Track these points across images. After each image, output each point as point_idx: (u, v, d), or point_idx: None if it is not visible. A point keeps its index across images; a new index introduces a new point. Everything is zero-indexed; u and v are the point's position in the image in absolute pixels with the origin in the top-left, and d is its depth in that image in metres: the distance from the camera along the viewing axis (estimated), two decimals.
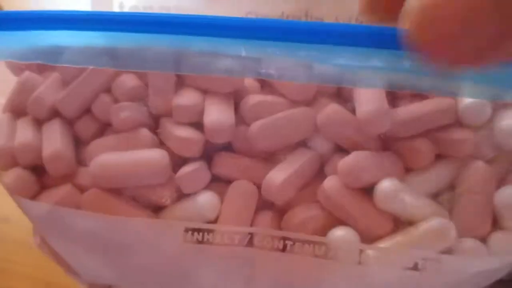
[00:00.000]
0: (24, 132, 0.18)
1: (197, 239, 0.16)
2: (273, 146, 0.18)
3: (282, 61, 0.16)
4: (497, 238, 0.16)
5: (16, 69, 0.20)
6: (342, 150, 0.18)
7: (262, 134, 0.17)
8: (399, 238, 0.16)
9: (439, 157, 0.17)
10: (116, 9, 0.26)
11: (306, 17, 0.27)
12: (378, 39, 0.15)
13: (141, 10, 0.27)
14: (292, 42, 0.16)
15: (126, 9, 0.26)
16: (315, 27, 0.16)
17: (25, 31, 0.17)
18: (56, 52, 0.17)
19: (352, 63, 0.15)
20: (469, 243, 0.16)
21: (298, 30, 0.16)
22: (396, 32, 0.15)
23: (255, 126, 0.17)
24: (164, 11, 0.27)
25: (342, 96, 0.19)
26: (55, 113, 0.19)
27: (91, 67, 0.18)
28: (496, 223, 0.16)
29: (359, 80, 0.16)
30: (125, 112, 0.18)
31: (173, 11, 0.27)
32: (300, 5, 0.28)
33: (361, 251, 0.16)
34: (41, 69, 0.20)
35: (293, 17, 0.28)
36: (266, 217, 0.17)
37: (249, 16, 0.27)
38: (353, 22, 0.25)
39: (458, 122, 0.18)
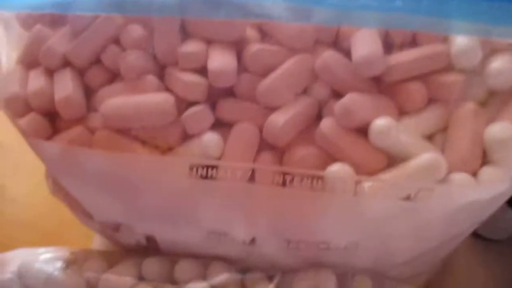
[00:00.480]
0: (37, 80, 0.19)
1: (201, 174, 0.17)
2: (281, 100, 0.18)
3: (281, 4, 0.17)
4: (485, 171, 0.17)
5: (28, 24, 0.21)
6: (339, 95, 0.19)
7: (270, 91, 0.18)
8: (392, 172, 0.17)
9: (432, 100, 0.18)
10: None
11: None
12: None
13: None
14: None
15: None
16: None
17: None
18: (66, 2, 0.18)
19: (346, 3, 0.16)
20: (460, 175, 0.17)
21: None
22: None
23: (264, 84, 0.18)
24: None
25: (339, 44, 0.20)
26: (66, 63, 0.20)
27: (100, 15, 0.19)
28: (485, 158, 0.17)
29: (354, 20, 0.17)
30: (132, 59, 0.19)
31: None
32: None
33: (356, 183, 0.17)
34: (52, 24, 0.21)
35: None
36: (267, 155, 0.18)
37: None
38: None
39: (450, 66, 0.18)
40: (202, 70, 0.19)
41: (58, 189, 0.20)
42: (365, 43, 0.18)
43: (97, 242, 0.27)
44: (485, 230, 0.30)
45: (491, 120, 0.18)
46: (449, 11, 0.16)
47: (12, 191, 0.35)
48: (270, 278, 0.19)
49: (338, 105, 0.18)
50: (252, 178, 0.18)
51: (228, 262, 0.20)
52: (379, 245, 0.19)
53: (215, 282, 0.19)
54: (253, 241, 0.19)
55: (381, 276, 0.20)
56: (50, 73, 0.20)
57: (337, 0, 0.16)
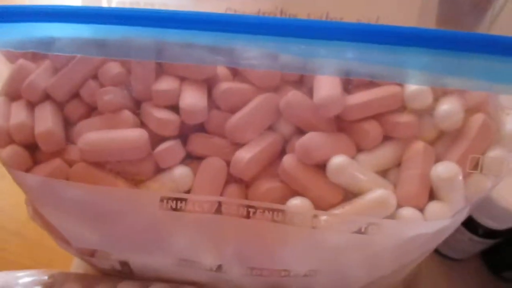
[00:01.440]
0: (19, 113, 0.21)
1: (171, 206, 0.19)
2: (249, 136, 0.20)
3: (250, 52, 0.18)
4: (431, 206, 0.18)
5: (12, 58, 0.22)
6: (302, 132, 0.20)
7: (238, 128, 0.19)
8: (347, 206, 0.18)
9: (386, 138, 0.20)
10: (104, 5, 0.28)
11: (280, 14, 0.29)
12: (329, 32, 0.17)
13: (127, 5, 0.29)
14: (259, 35, 0.18)
15: (113, 5, 0.29)
16: (277, 22, 0.18)
17: (21, 23, 0.19)
18: (48, 42, 0.19)
19: (309, 54, 0.18)
20: (408, 210, 0.18)
21: (264, 24, 0.18)
22: (345, 26, 0.17)
23: (232, 121, 0.20)
24: (149, 7, 0.29)
25: (304, 83, 0.21)
26: (46, 97, 0.21)
27: (79, 55, 0.20)
28: (432, 195, 0.19)
29: (317, 68, 0.18)
30: (109, 95, 0.20)
31: (158, 7, 0.29)
32: (276, 3, 0.30)
33: (314, 216, 0.18)
34: (35, 58, 0.22)
35: (269, 14, 0.30)
36: (233, 188, 0.19)
37: (228, 12, 0.29)
38: (324, 18, 0.27)
39: (403, 107, 0.20)
40: (175, 107, 0.20)
41: (37, 216, 0.22)
42: (325, 85, 0.20)
43: (76, 262, 0.28)
44: (448, 251, 0.32)
45: (439, 158, 0.19)
46: (400, 62, 0.17)
47: None
48: None
49: (298, 144, 0.19)
50: (218, 210, 0.19)
51: (197, 286, 0.21)
52: (336, 273, 0.20)
53: None
54: (219, 267, 0.21)
55: None
56: (31, 106, 0.21)
57: (302, 50, 0.17)
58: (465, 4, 0.31)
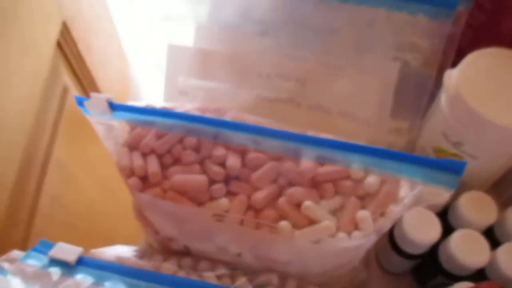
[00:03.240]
0: (138, 159, 0.38)
1: (217, 219, 0.35)
2: (262, 184, 0.36)
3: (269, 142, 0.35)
4: (354, 233, 0.34)
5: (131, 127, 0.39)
6: (291, 185, 0.36)
7: (258, 179, 0.36)
8: (310, 228, 0.35)
9: (337, 193, 0.36)
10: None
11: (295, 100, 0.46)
12: (308, 141, 0.34)
13: (192, 88, 0.46)
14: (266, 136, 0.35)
15: (186, 86, 0.46)
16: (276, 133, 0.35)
17: (139, 114, 0.36)
18: (153, 122, 0.36)
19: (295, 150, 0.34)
20: (342, 234, 0.34)
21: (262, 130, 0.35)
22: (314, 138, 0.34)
23: (254, 175, 0.36)
24: (203, 91, 0.46)
25: (295, 158, 0.38)
26: (152, 151, 0.38)
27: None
28: (357, 226, 0.35)
29: (303, 155, 0.35)
30: (188, 155, 0.37)
31: (208, 91, 0.46)
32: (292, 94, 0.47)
33: (292, 232, 0.34)
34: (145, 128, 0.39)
35: (286, 102, 0.47)
36: (251, 212, 0.36)
37: (257, 97, 0.46)
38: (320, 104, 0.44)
39: (348, 177, 0.36)
40: (223, 164, 0.37)
41: (140, 217, 0.38)
42: (306, 161, 0.36)
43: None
44: (389, 267, 0.48)
45: (362, 208, 0.36)
46: (347, 158, 0.34)
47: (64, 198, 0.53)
48: (245, 274, 0.36)
49: (288, 192, 0.35)
50: (241, 223, 0.35)
51: (226, 263, 0.38)
52: (303, 263, 0.36)
53: (219, 273, 0.36)
54: (239, 254, 0.37)
55: (305, 281, 0.37)
56: (144, 155, 0.38)
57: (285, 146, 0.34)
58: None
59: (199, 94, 0.47)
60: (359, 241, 0.34)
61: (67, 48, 0.67)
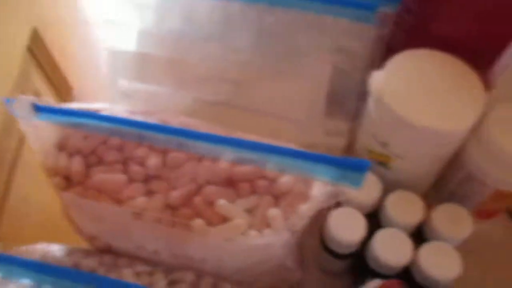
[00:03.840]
0: (63, 159, 0.39)
1: (135, 217, 0.36)
2: (180, 184, 0.37)
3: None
4: (266, 231, 0.35)
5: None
6: (209, 183, 0.37)
7: (177, 180, 0.37)
8: (224, 225, 0.36)
9: (252, 192, 0.37)
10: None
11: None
12: (227, 142, 0.35)
13: (130, 90, 0.47)
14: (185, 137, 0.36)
15: (120, 84, 0.47)
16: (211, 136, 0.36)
17: (67, 116, 0.37)
18: (80, 124, 0.38)
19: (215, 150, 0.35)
20: (253, 232, 0.35)
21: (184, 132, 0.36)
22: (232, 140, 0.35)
23: (172, 175, 0.37)
24: (142, 93, 0.47)
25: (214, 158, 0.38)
26: (79, 151, 0.39)
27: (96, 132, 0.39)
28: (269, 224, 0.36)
29: (221, 156, 0.36)
30: (112, 154, 0.38)
31: (147, 93, 0.48)
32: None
33: (206, 229, 0.35)
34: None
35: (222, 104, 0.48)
36: (168, 210, 0.37)
37: (195, 100, 0.47)
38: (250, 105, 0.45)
39: (263, 177, 0.37)
40: (144, 164, 0.38)
41: (65, 215, 0.39)
42: (222, 161, 0.37)
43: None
44: (327, 268, 0.48)
45: (277, 206, 0.36)
46: (263, 159, 0.35)
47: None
48: (164, 271, 0.37)
49: (205, 191, 0.36)
50: (158, 221, 0.36)
51: (146, 260, 0.39)
52: (218, 261, 0.37)
53: (138, 270, 0.37)
54: (156, 252, 0.38)
55: (221, 278, 0.38)
56: (71, 155, 0.39)
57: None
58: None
59: (141, 97, 0.48)
60: (270, 238, 0.35)
61: (39, 53, 0.69)
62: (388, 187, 0.44)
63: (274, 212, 0.35)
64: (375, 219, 0.44)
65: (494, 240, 0.52)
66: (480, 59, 0.43)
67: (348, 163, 0.34)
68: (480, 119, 0.41)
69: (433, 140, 0.40)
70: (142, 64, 0.48)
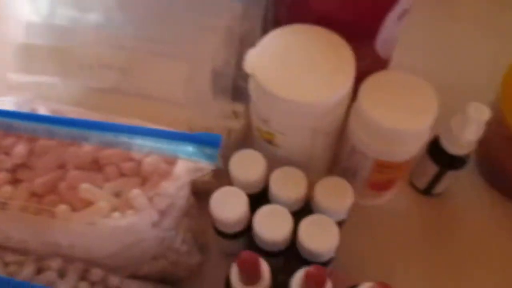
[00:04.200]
0: None
1: (0, 207, 0.36)
2: (42, 173, 0.37)
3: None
4: (128, 212, 0.35)
5: None
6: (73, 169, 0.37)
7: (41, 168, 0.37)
8: (84, 211, 0.35)
9: (122, 175, 0.37)
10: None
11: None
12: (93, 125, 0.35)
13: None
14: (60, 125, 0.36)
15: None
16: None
17: None
18: None
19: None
20: (115, 214, 0.35)
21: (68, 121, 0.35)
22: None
23: (37, 162, 0.37)
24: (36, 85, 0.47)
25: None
26: None
27: None
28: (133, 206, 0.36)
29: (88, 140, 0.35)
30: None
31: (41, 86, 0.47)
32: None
33: (69, 214, 0.35)
34: None
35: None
36: (34, 198, 0.36)
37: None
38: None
39: (129, 158, 0.37)
40: (11, 153, 0.37)
41: None
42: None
43: None
44: (225, 250, 0.48)
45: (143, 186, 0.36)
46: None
47: None
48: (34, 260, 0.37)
49: (68, 176, 0.36)
50: (24, 210, 0.36)
51: (16, 250, 0.39)
52: (85, 246, 0.37)
53: (7, 260, 0.37)
54: (24, 240, 0.38)
55: (93, 264, 0.38)
56: None
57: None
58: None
59: (28, 89, 0.48)
60: (133, 219, 0.35)
61: None
62: (278, 165, 0.44)
63: (134, 192, 0.35)
64: (264, 198, 0.45)
65: (398, 211, 0.52)
66: (359, 33, 0.43)
67: (201, 139, 0.34)
68: (353, 90, 0.41)
69: (307, 113, 0.40)
70: (26, 55, 0.47)
